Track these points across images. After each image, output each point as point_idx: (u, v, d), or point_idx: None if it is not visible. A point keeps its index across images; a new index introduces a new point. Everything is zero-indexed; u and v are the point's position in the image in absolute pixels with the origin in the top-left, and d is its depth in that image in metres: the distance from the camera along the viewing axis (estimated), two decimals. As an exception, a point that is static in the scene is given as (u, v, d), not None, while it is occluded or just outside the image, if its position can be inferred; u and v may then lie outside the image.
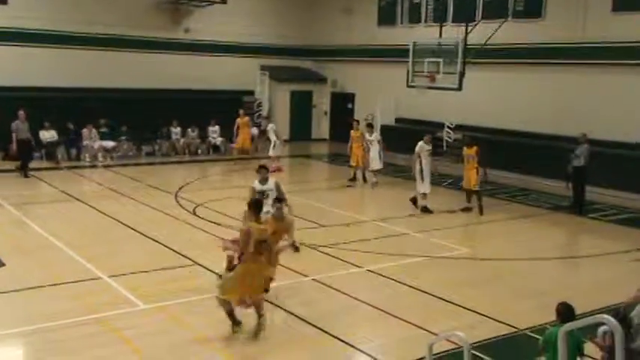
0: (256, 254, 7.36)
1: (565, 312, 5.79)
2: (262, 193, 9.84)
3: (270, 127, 20.15)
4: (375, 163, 17.30)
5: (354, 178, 17.79)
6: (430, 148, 15.03)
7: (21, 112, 17.29)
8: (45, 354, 7.09)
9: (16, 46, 21.04)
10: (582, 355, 5.74)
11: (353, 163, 17.79)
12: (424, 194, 14.63)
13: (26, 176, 17.05)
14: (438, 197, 15.39)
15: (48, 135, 20.00)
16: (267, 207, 9.11)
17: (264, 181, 10.10)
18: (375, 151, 17.27)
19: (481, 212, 14.35)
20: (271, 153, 19.64)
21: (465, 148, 14.94)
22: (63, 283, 9.16)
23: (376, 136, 17.53)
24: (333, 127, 27.68)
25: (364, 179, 17.84)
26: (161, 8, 23.88)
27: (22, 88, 20.72)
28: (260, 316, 7.60)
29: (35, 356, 7.19)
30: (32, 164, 18.33)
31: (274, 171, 19.18)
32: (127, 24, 22.88)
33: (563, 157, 15.69)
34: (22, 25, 21.00)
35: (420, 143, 14.83)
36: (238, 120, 21.30)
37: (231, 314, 7.53)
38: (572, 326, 4.85)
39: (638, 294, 6.09)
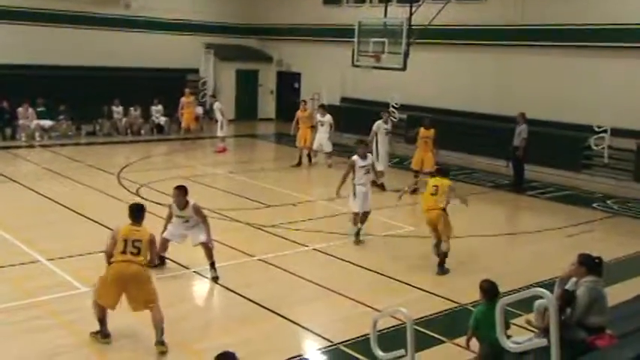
0: (124, 254, 6.78)
1: (489, 289, 5.99)
2: (364, 167, 10.88)
3: (217, 105, 19.73)
4: (327, 146, 17.15)
5: (299, 163, 17.52)
6: (388, 127, 15.07)
7: None
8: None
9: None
10: (508, 328, 5.97)
11: (299, 144, 17.62)
12: (381, 172, 14.72)
13: None
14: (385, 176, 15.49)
15: (-20, 114, 19.19)
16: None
17: (364, 156, 10.98)
18: (325, 132, 17.14)
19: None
20: (219, 133, 19.40)
21: (422, 129, 14.84)
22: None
23: (328, 117, 17.32)
24: (279, 107, 27.53)
25: (309, 160, 17.77)
26: (101, -17, 23.12)
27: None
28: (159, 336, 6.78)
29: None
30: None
31: (220, 151, 19.00)
32: (64, -2, 22.05)
33: (504, 137, 16.08)
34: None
35: (378, 122, 14.95)
36: (183, 99, 20.95)
37: (102, 322, 6.88)
38: (511, 300, 4.99)
39: (571, 268, 6.31)
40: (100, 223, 11.16)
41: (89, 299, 7.85)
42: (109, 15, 23.31)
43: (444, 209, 9.45)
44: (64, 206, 12.20)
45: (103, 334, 6.88)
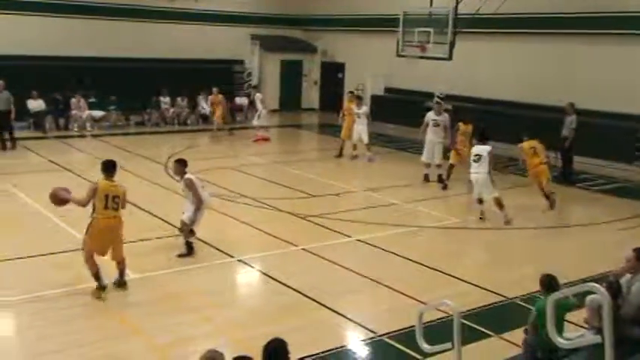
0: (107, 210, 7.61)
1: (548, 282, 5.85)
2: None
3: (257, 96, 20.07)
4: (365, 137, 16.94)
5: (341, 154, 17.33)
6: (438, 118, 14.68)
7: (0, 82, 16.72)
8: (32, 325, 7.08)
9: (4, 14, 20.67)
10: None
11: (343, 136, 17.42)
12: (427, 164, 14.59)
13: (4, 148, 16.48)
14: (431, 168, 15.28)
15: (35, 104, 19.73)
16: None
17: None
18: (362, 124, 16.90)
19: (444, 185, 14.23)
20: (255, 122, 19.63)
21: (461, 125, 14.27)
22: (52, 253, 9.13)
23: (365, 109, 17.16)
24: (322, 97, 27.53)
25: (353, 153, 17.51)
26: (150, -24, 23.47)
27: (9, 57, 20.39)
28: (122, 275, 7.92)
29: (22, 327, 7.17)
30: (19, 134, 18.11)
31: (258, 140, 19.12)
32: (115, -8, 22.48)
33: (552, 128, 15.71)
34: (6, -8, 20.62)
35: (429, 113, 14.77)
36: (211, 97, 20.79)
37: (97, 276, 7.65)
38: (561, 294, 4.89)
39: (627, 264, 6.13)
40: (148, 211, 11.38)
41: (136, 286, 8.07)
42: (159, 7, 23.65)
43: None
44: (114, 195, 12.44)
45: (99, 288, 7.64)
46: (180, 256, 9.17)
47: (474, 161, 11.55)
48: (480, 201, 11.73)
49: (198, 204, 9.14)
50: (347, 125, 17.30)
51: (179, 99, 22.20)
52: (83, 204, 7.72)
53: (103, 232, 7.66)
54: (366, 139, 16.88)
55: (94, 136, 19.55)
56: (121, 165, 14.90)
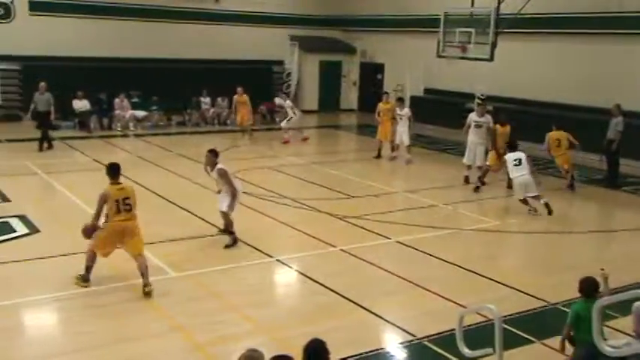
0: (120, 214, 7.78)
1: (588, 287, 5.69)
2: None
3: (287, 103, 20.01)
4: (406, 139, 16.79)
5: (379, 155, 17.27)
6: (481, 120, 14.44)
7: (42, 84, 16.99)
8: (78, 319, 7.27)
9: (49, 16, 21.26)
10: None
11: (380, 137, 17.32)
12: (468, 166, 14.45)
13: (41, 149, 16.66)
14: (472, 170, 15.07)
15: (80, 104, 20.22)
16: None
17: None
18: (403, 125, 16.77)
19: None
20: (283, 124, 19.63)
21: (498, 127, 14.12)
22: (96, 250, 9.31)
23: (407, 111, 16.98)
24: (361, 98, 27.49)
25: (392, 154, 17.42)
26: (191, -22, 23.82)
27: (54, 58, 21.00)
28: (145, 279, 7.82)
29: (68, 321, 7.36)
30: (65, 133, 18.58)
31: (286, 142, 19.02)
32: (158, -6, 22.89)
33: (597, 130, 15.37)
34: (54, -5, 21.21)
35: (471, 114, 14.61)
36: (236, 97, 20.29)
37: (89, 269, 7.94)
38: (608, 301, 4.78)
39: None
40: (187, 210, 11.55)
41: (178, 284, 8.19)
42: (199, 9, 24.00)
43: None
44: (156, 193, 12.68)
45: (84, 279, 7.91)
46: (227, 247, 9.54)
47: (515, 165, 12.07)
48: (525, 201, 12.00)
49: (234, 192, 9.45)
50: (383, 126, 17.21)
51: (219, 99, 22.46)
52: (97, 217, 7.89)
53: (117, 235, 7.87)
54: (406, 141, 16.75)
55: (137, 135, 19.92)
56: (163, 164, 15.27)
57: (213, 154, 9.71)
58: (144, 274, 7.81)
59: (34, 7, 21.11)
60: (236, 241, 9.67)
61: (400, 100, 17.98)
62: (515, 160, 12.10)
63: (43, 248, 9.37)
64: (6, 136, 18.03)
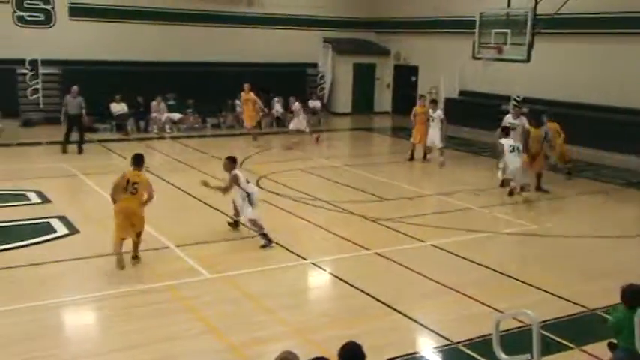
0: (126, 193, 8.86)
1: (631, 296, 5.53)
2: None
3: (296, 105, 19.23)
4: (439, 142, 16.61)
5: (412, 157, 17.17)
6: (516, 122, 14.31)
7: (74, 88, 17.22)
8: (114, 319, 7.39)
9: (88, 21, 21.70)
10: None
11: (414, 140, 17.19)
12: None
13: (65, 152, 16.84)
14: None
15: (118, 107, 20.58)
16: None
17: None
18: (435, 128, 16.60)
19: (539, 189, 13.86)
20: (291, 126, 19.33)
21: (532, 130, 13.84)
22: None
23: (439, 113, 16.84)
24: (395, 100, 27.38)
25: (424, 156, 17.36)
26: (225, -18, 24.05)
27: (93, 62, 21.41)
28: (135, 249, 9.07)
29: (105, 321, 7.49)
30: (102, 136, 18.91)
31: (290, 149, 18.51)
32: (193, -2, 23.17)
33: (637, 131, 15.05)
34: (94, 0, 21.60)
35: (507, 116, 14.57)
36: (242, 94, 19.78)
37: (118, 254, 8.84)
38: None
39: None
40: (223, 212, 11.63)
41: (212, 285, 8.27)
42: (233, 13, 24.20)
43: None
44: (191, 195, 12.81)
45: (120, 264, 8.76)
46: (263, 247, 9.75)
47: (511, 152, 13.06)
48: (505, 184, 13.50)
49: (247, 197, 9.86)
50: (417, 128, 17.09)
51: (254, 102, 22.55)
52: (114, 194, 9.00)
53: (122, 213, 8.84)
54: (439, 143, 16.61)
55: (173, 138, 20.17)
56: (198, 167, 15.43)
57: (232, 161, 10.13)
58: (137, 247, 9.05)
59: (74, 13, 21.56)
60: (270, 241, 9.78)
61: (433, 102, 17.81)
62: (510, 147, 13.03)
63: (82, 248, 9.55)
64: (47, 139, 18.44)
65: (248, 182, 10.07)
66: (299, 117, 19.13)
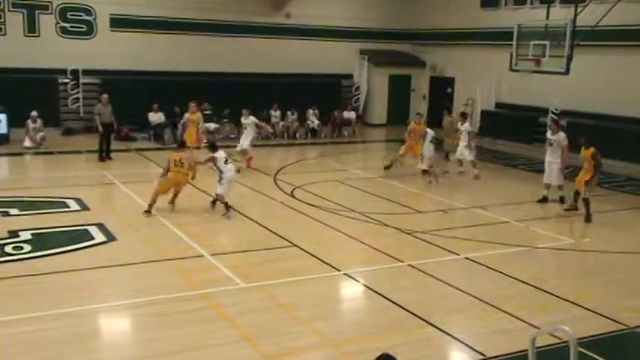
0: (176, 167, 12.13)
1: None
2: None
3: (252, 120, 17.43)
4: (467, 154, 16.39)
5: (389, 166, 16.88)
6: (551, 137, 13.77)
7: (104, 96, 17.58)
8: (150, 326, 7.47)
9: (129, 32, 22.17)
10: None
11: (401, 151, 16.94)
12: (546, 185, 13.88)
13: (102, 160, 17.13)
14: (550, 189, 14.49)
15: (155, 117, 20.91)
16: None
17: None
18: (464, 141, 16.37)
19: (588, 219, 12.59)
20: (246, 145, 16.99)
21: (582, 149, 12.74)
22: (168, 259, 9.60)
23: (467, 126, 16.56)
24: (431, 112, 27.21)
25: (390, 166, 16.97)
26: (263, -6, 24.33)
27: (132, 72, 21.86)
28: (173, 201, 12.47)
29: (140, 328, 7.59)
30: (140, 145, 19.21)
31: (248, 163, 16.88)
32: (230, 10, 23.43)
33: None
34: (133, 12, 22.07)
35: (563, 134, 13.63)
36: (187, 115, 17.83)
37: (152, 205, 11.92)
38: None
39: None
40: (257, 222, 11.72)
41: (247, 295, 8.32)
42: (270, 24, 24.46)
43: None
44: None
45: (149, 212, 11.82)
46: (224, 215, 11.93)
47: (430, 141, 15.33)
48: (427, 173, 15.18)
49: (219, 175, 12.16)
50: (409, 144, 16.71)
51: (289, 113, 22.74)
52: (165, 171, 12.25)
53: (171, 182, 12.16)
54: (468, 156, 16.39)
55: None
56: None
57: (211, 145, 12.97)
58: (173, 199, 12.44)
59: (115, 24, 22.06)
60: (228, 208, 12.05)
61: (463, 114, 17.56)
62: (432, 137, 15.35)
63: (119, 256, 9.71)
64: (86, 147, 18.83)
65: (227, 163, 12.28)
66: (247, 133, 17.15)
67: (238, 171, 13.96)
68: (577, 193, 12.98)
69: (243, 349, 6.93)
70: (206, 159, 12.63)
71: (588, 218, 12.48)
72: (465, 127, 16.59)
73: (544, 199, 13.88)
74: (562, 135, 13.64)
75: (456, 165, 17.01)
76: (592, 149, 12.55)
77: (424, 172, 16.01)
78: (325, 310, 8.05)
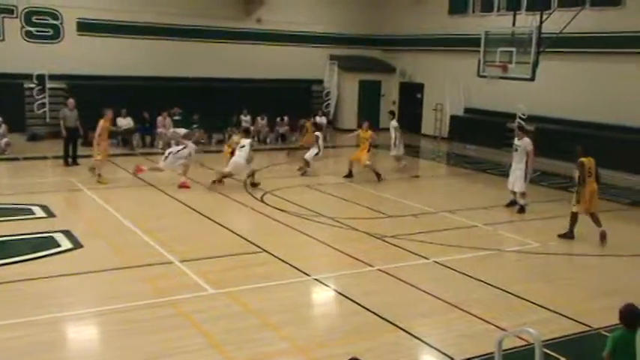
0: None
1: (629, 317, 5.36)
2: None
3: (176, 132, 17.21)
4: (395, 151, 17.67)
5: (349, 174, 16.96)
6: (516, 143, 13.75)
7: (70, 101, 17.38)
8: (117, 334, 7.36)
9: (96, 36, 21.91)
10: None
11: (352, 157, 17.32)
12: (521, 193, 13.74)
13: (67, 165, 16.95)
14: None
15: (124, 122, 20.66)
16: None
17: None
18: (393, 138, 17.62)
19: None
20: (167, 163, 15.36)
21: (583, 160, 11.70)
22: (136, 266, 9.48)
23: (393, 123, 17.80)
24: (401, 117, 27.37)
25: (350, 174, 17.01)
26: (234, -1, 24.29)
27: (100, 77, 21.59)
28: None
29: (108, 336, 7.46)
30: (109, 150, 18.97)
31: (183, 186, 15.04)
32: (200, 14, 23.37)
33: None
34: (101, 16, 21.85)
35: (527, 139, 13.50)
36: (101, 122, 15.61)
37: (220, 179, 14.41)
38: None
39: None
40: (227, 228, 11.65)
41: (216, 301, 8.26)
42: (241, 29, 24.43)
43: None
44: (195, 210, 12.85)
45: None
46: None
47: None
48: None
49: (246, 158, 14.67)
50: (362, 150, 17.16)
51: (259, 118, 22.69)
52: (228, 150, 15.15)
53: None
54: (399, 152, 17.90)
55: (178, 153, 20.19)
56: (203, 182, 15.45)
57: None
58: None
59: (82, 28, 21.80)
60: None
61: (391, 113, 19.05)
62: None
63: (86, 263, 9.56)
64: (53, 153, 18.53)
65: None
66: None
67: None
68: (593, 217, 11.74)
69: (211, 356, 6.87)
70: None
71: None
72: (392, 124, 17.66)
73: (512, 203, 14.05)
74: (526, 140, 13.68)
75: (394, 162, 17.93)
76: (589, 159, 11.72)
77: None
78: (295, 315, 8.03)
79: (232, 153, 15.43)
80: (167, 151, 15.64)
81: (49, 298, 8.28)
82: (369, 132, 17.16)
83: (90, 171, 15.73)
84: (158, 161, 15.90)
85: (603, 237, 11.39)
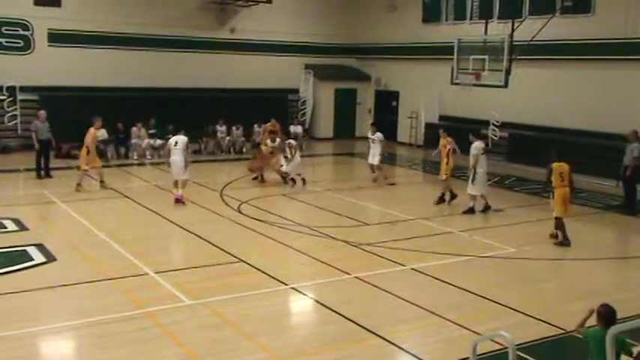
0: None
1: (606, 315, 5.55)
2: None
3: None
4: (376, 160, 17.44)
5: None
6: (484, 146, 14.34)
7: (41, 112, 17.22)
8: (92, 347, 7.27)
9: (67, 47, 21.72)
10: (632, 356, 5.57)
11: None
12: (474, 196, 14.10)
13: (40, 177, 16.76)
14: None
15: (98, 133, 20.39)
16: None
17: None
18: (375, 148, 17.42)
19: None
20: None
21: (554, 164, 11.82)
22: (111, 279, 9.37)
23: (378, 135, 17.55)
24: (378, 125, 27.54)
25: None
26: (207, 9, 24.23)
27: (72, 88, 21.39)
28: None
29: (83, 349, 7.38)
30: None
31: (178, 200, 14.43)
32: (173, 24, 23.31)
33: (614, 156, 15.30)
34: (73, 27, 21.67)
35: (477, 143, 14.00)
36: (92, 130, 15.90)
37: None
38: (621, 329, 4.71)
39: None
40: (203, 238, 11.59)
41: (192, 312, 8.21)
42: (215, 39, 24.38)
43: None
44: (171, 221, 12.76)
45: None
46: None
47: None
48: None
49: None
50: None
51: (234, 128, 22.65)
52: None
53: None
54: (376, 161, 17.44)
55: (153, 164, 20.10)
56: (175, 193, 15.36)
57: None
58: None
59: (54, 39, 21.59)
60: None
61: (373, 125, 18.46)
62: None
63: (60, 277, 9.42)
64: (25, 166, 18.28)
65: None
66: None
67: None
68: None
69: (188, 368, 6.83)
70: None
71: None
72: (377, 135, 17.53)
73: (486, 209, 14.22)
74: (475, 143, 14.03)
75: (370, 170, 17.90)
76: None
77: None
78: (273, 324, 8.01)
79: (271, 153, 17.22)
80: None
81: (22, 312, 8.15)
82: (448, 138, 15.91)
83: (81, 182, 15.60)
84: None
85: (553, 237, 12.00)
